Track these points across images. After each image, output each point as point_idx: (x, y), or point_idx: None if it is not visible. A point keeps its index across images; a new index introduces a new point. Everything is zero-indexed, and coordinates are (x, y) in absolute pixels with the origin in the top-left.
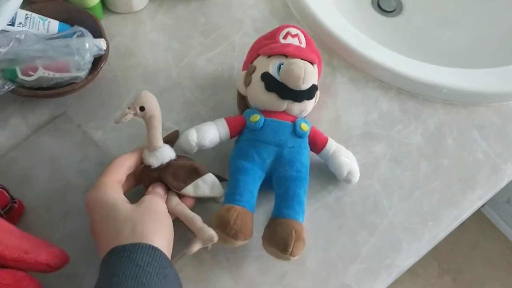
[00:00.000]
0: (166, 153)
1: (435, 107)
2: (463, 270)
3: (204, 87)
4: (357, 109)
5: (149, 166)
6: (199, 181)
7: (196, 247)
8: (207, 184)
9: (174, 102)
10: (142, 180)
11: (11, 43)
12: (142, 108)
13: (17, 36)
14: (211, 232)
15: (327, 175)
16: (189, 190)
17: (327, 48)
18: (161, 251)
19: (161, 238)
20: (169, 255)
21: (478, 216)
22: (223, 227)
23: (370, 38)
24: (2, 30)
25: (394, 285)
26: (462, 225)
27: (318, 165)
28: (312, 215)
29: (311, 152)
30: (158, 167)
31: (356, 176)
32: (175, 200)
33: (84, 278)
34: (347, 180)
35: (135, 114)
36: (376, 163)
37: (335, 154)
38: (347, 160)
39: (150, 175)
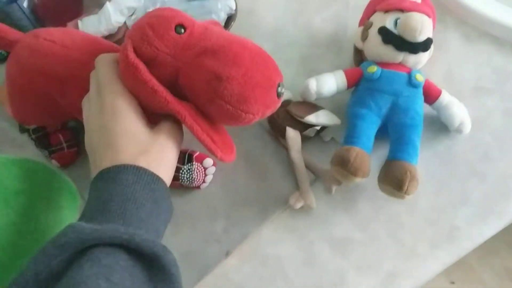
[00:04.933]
0: (284, 93)
1: None
2: None
3: (320, 44)
4: (469, 63)
5: None
6: (319, 112)
7: (298, 205)
8: (325, 114)
9: (293, 58)
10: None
11: (157, 5)
12: None
13: None
14: (311, 202)
15: (439, 125)
16: (311, 118)
17: (439, 5)
18: (147, 170)
19: (153, 161)
20: (166, 178)
21: None
22: (344, 164)
23: None
24: None
25: None
26: None
27: (429, 116)
28: (423, 162)
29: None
30: (281, 103)
31: (468, 127)
32: (297, 147)
33: None
34: (459, 131)
35: None
36: (488, 116)
37: (448, 105)
38: (459, 111)
39: (277, 111)
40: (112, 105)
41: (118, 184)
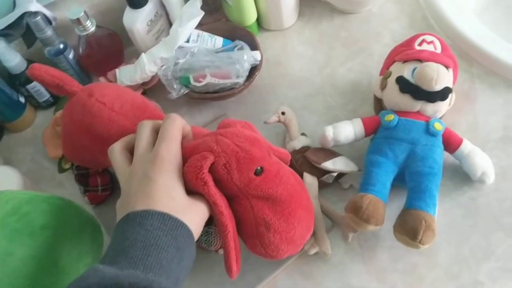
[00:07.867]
0: (304, 139)
1: None
2: None
3: (344, 93)
4: (496, 114)
5: (294, 150)
6: (336, 158)
7: (313, 251)
8: (342, 161)
9: (316, 106)
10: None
11: (187, 56)
12: (283, 113)
13: (192, 50)
14: (326, 249)
15: (462, 176)
16: (328, 164)
17: (466, 56)
18: (171, 216)
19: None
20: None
21: None
22: (356, 211)
23: None
24: (179, 46)
25: None
26: None
27: (453, 166)
28: (445, 212)
29: (447, 153)
30: (300, 149)
31: (491, 177)
32: (313, 193)
33: None
34: (481, 181)
35: (279, 118)
36: None
37: (469, 154)
38: (481, 161)
39: (295, 157)
40: (163, 159)
41: (142, 229)
